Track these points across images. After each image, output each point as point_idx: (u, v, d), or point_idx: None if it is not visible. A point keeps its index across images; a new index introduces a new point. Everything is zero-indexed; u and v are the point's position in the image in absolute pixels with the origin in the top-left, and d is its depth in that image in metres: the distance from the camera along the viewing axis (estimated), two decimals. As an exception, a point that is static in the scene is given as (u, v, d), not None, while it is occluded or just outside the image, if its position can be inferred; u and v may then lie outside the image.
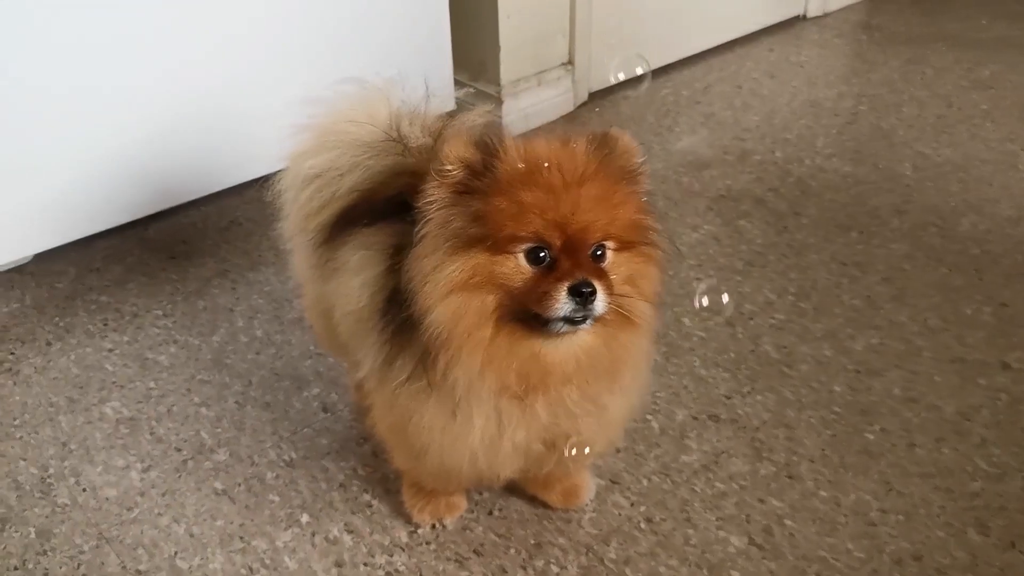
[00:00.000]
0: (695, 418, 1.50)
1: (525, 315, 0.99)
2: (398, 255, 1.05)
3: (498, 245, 0.96)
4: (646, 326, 1.07)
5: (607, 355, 1.05)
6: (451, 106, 2.20)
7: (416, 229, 1.00)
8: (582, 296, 0.95)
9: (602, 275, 0.98)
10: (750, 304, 1.76)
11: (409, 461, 1.21)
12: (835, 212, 2.05)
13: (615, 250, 1.01)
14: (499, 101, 2.32)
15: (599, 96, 2.57)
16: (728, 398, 1.54)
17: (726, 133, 2.39)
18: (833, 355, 1.62)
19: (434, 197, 0.98)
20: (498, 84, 2.33)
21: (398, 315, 1.05)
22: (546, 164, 0.97)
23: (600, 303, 0.97)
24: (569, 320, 0.97)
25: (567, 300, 0.95)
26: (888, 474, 1.38)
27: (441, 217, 0.98)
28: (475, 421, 1.07)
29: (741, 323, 1.71)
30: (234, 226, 2.02)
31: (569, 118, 2.48)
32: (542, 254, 0.97)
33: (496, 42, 2.27)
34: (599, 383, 1.08)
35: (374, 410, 1.18)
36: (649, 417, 1.49)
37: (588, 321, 0.98)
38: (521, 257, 0.97)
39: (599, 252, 0.99)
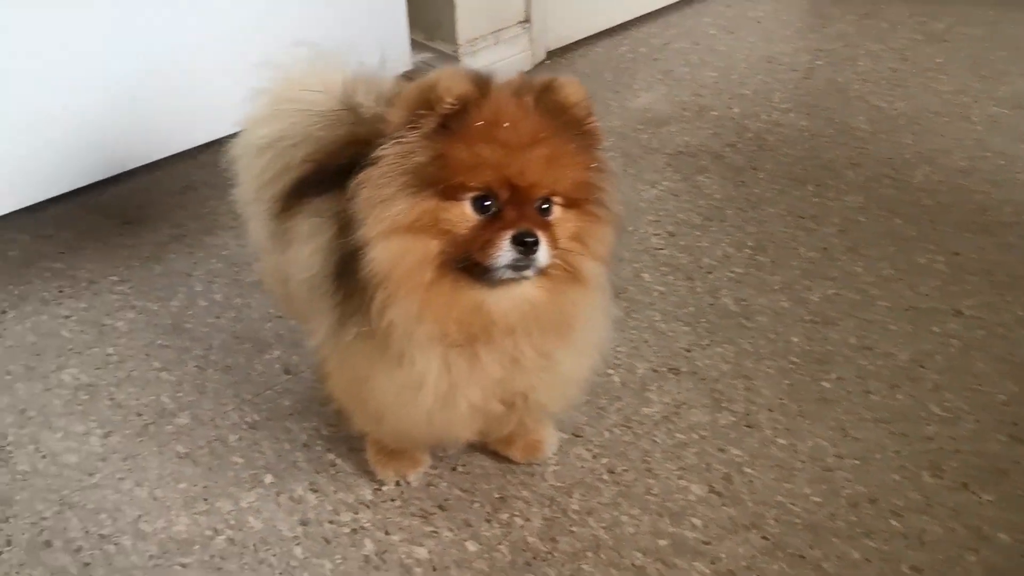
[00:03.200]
0: (656, 371, 1.51)
1: (467, 264, 0.99)
2: (348, 220, 1.04)
3: (448, 191, 0.97)
4: (595, 283, 1.08)
5: (553, 309, 1.06)
6: (407, 67, 2.17)
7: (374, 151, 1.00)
8: (524, 245, 0.96)
9: (547, 227, 1.00)
10: (708, 258, 1.77)
11: (369, 424, 1.22)
12: (791, 166, 2.06)
13: (563, 206, 1.02)
14: (456, 61, 2.30)
15: (557, 54, 2.56)
16: (688, 351, 1.55)
17: (684, 89, 2.40)
18: (790, 306, 1.64)
19: (406, 126, 0.98)
20: (455, 43, 2.31)
21: (349, 278, 1.04)
22: (506, 124, 0.97)
23: (543, 254, 0.98)
24: (512, 267, 0.97)
25: (509, 248, 0.96)
26: (844, 421, 1.41)
27: (405, 149, 0.98)
28: (425, 375, 1.06)
29: (700, 277, 1.72)
30: (189, 191, 1.99)
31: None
32: (487, 203, 0.98)
33: (452, 0, 2.25)
34: (547, 337, 1.08)
35: (330, 375, 1.18)
36: (610, 371, 1.51)
37: (531, 270, 0.99)
38: (467, 205, 0.98)
39: (545, 206, 1.01)
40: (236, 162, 1.28)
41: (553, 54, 2.55)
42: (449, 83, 0.97)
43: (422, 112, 0.98)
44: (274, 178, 1.20)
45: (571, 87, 1.02)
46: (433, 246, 0.99)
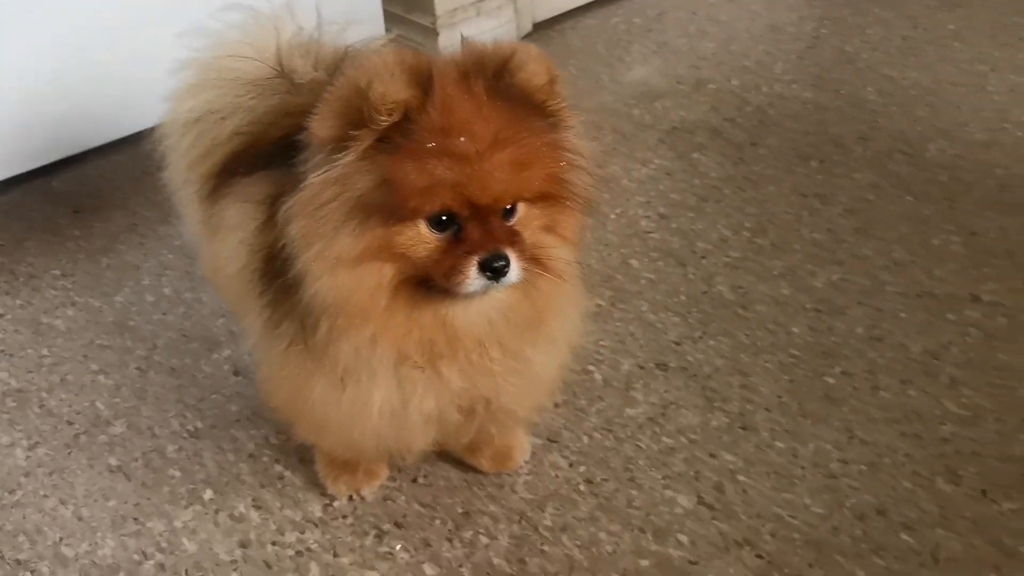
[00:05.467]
0: (642, 367, 1.37)
1: (428, 281, 0.86)
2: (277, 207, 0.90)
3: (399, 216, 0.83)
4: (566, 272, 0.94)
5: (527, 307, 0.93)
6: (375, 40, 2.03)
7: (301, 171, 0.86)
8: (494, 271, 0.84)
9: (515, 238, 0.86)
10: (703, 242, 1.63)
11: (311, 435, 1.09)
12: (795, 141, 1.91)
13: (529, 202, 0.88)
14: (435, 33, 2.16)
15: (545, 26, 2.41)
16: (678, 344, 1.41)
17: (681, 62, 2.24)
18: (792, 294, 1.50)
19: (337, 143, 0.83)
20: (433, 15, 2.16)
21: (278, 276, 0.91)
22: (460, 134, 0.81)
23: (514, 273, 0.85)
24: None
25: (477, 276, 0.84)
26: (850, 421, 1.27)
27: (340, 174, 0.82)
28: (371, 392, 0.94)
29: (694, 263, 1.58)
30: (147, 176, 1.84)
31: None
32: (445, 218, 0.84)
33: (430, -31, 2.11)
34: (520, 338, 0.95)
35: (265, 381, 1.05)
36: (592, 368, 1.37)
37: (501, 286, 0.86)
38: (423, 225, 0.84)
39: (510, 209, 0.86)
40: (163, 141, 1.14)
41: (540, 26, 2.40)
42: (384, 89, 0.80)
43: (354, 132, 0.81)
44: (203, 156, 1.07)
45: (533, 64, 0.86)
46: (387, 271, 0.86)
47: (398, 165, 0.81)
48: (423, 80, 0.82)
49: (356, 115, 0.81)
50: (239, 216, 1.00)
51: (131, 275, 1.59)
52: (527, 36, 2.35)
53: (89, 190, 1.82)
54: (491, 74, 0.85)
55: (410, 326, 0.89)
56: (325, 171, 0.83)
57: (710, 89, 2.11)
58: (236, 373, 1.38)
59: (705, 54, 2.27)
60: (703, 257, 1.59)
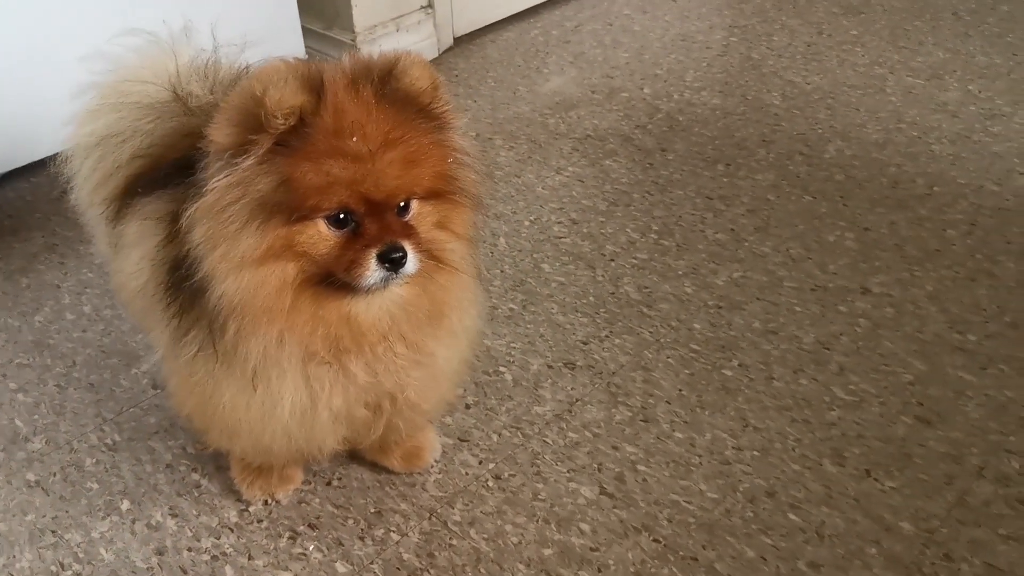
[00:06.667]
0: (550, 367, 1.43)
1: (330, 278, 0.91)
2: (177, 223, 0.94)
3: (299, 215, 0.87)
4: (462, 266, 1.00)
5: (426, 301, 0.99)
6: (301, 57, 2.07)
7: (201, 179, 0.90)
8: (392, 262, 0.89)
9: (410, 232, 0.91)
10: (612, 245, 1.69)
11: (222, 441, 1.12)
12: (702, 146, 1.99)
13: (422, 198, 0.93)
14: (355, 49, 2.20)
15: (465, 40, 2.47)
16: (585, 344, 1.47)
17: (595, 72, 2.31)
18: (694, 292, 1.57)
19: (236, 148, 0.87)
20: (352, 31, 2.21)
21: (183, 285, 0.95)
22: (352, 135, 0.86)
23: (411, 264, 0.90)
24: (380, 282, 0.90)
25: (376, 268, 0.89)
26: (745, 410, 1.34)
27: (241, 177, 0.87)
28: (281, 392, 0.98)
29: (602, 265, 1.64)
30: (66, 196, 1.86)
31: (434, 64, 2.36)
32: (343, 216, 0.89)
33: (347, -14, 2.15)
34: (421, 331, 1.00)
35: (174, 391, 1.08)
36: (503, 369, 1.42)
37: (399, 279, 0.91)
38: (322, 224, 0.89)
39: (404, 206, 0.92)
40: (67, 164, 1.17)
41: (461, 40, 2.46)
42: (279, 95, 0.84)
43: (252, 137, 0.85)
44: (105, 178, 1.10)
45: (416, 69, 0.91)
46: (290, 269, 0.90)
47: (296, 166, 0.86)
48: (315, 86, 0.86)
49: (253, 121, 0.85)
50: (140, 233, 1.03)
51: (51, 294, 1.61)
52: (448, 50, 2.40)
53: (8, 211, 1.83)
54: (378, 80, 0.89)
55: (315, 323, 0.93)
56: (226, 175, 0.87)
57: (623, 97, 2.19)
58: (154, 386, 1.41)
59: (619, 64, 2.35)
60: (611, 260, 1.66)
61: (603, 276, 1.62)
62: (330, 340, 0.95)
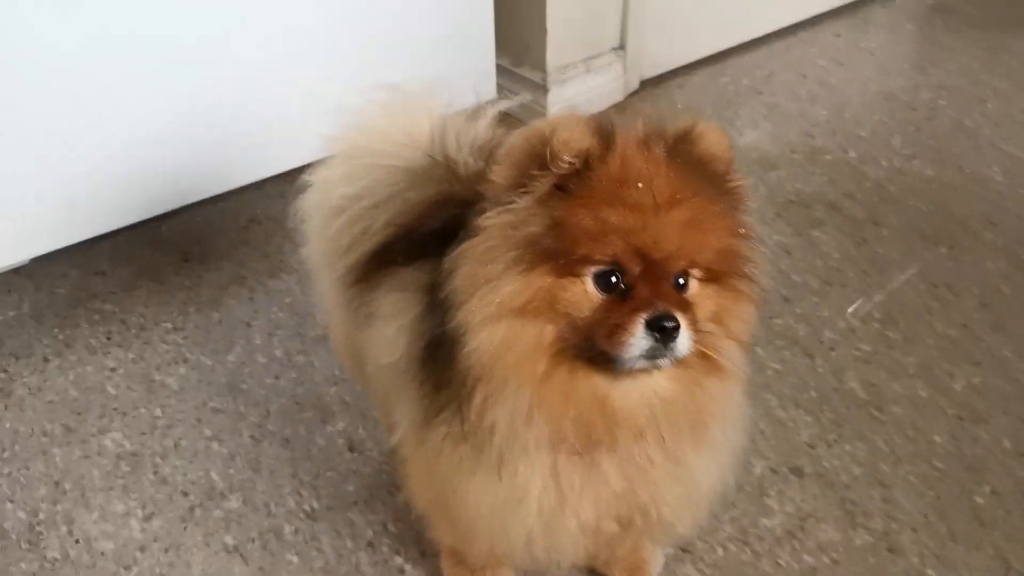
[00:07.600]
0: (775, 471, 1.31)
1: (589, 351, 0.81)
2: (441, 297, 0.87)
3: (568, 266, 0.79)
4: (736, 372, 0.88)
5: (690, 405, 0.87)
6: (492, 96, 1.99)
7: (473, 222, 0.83)
8: (662, 332, 0.78)
9: (686, 307, 0.81)
10: (830, 331, 1.56)
11: (454, 540, 1.03)
12: (918, 222, 1.83)
13: (701, 280, 0.83)
14: (544, 89, 2.12)
15: (652, 84, 2.36)
16: (812, 447, 1.34)
17: (792, 128, 2.18)
18: (929, 396, 1.42)
19: (515, 188, 0.81)
20: (543, 70, 2.12)
21: (440, 366, 0.87)
22: (637, 183, 0.79)
23: (683, 341, 0.79)
24: (645, 356, 0.79)
25: (644, 336, 0.78)
26: (1004, 548, 1.19)
27: (514, 217, 0.81)
28: (528, 487, 0.88)
29: (822, 354, 1.51)
30: (254, 224, 1.84)
31: (619, 108, 2.27)
32: (615, 279, 0.80)
33: (543, 24, 2.06)
34: (679, 439, 0.89)
35: (411, 481, 1.00)
36: (722, 468, 1.30)
37: (667, 359, 0.80)
38: (590, 282, 0.80)
39: (682, 281, 0.82)
40: (306, 222, 1.11)
41: (647, 83, 2.35)
42: (567, 136, 0.79)
43: (534, 173, 0.80)
44: (352, 244, 1.03)
45: (713, 135, 0.84)
46: (548, 331, 0.81)
47: (573, 210, 0.79)
48: (605, 134, 0.81)
49: (537, 161, 0.80)
50: (397, 305, 0.95)
51: (242, 332, 1.56)
52: (634, 94, 2.30)
53: (197, 237, 1.80)
54: (671, 139, 0.83)
55: (567, 402, 0.84)
56: (499, 213, 0.81)
57: (826, 160, 2.05)
58: (351, 449, 1.34)
59: (817, 120, 2.20)
60: (831, 348, 1.52)
61: (824, 367, 1.48)
62: (581, 425, 0.85)
